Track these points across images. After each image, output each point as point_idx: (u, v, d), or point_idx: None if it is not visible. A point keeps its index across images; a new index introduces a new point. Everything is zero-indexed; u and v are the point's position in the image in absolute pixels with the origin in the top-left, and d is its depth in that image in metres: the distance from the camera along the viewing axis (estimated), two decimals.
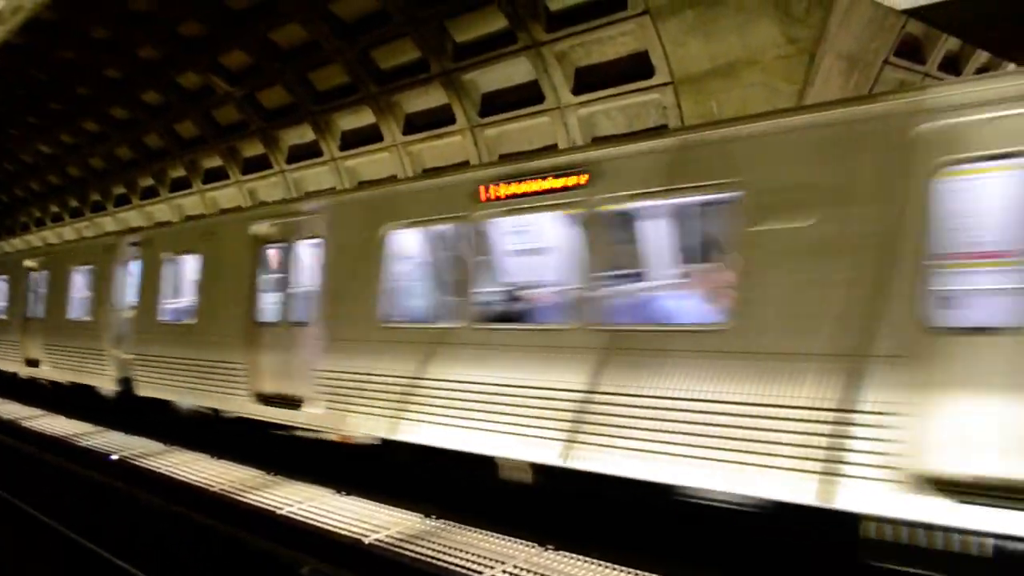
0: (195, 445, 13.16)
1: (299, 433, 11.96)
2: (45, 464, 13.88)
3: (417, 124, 16.97)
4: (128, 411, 15.88)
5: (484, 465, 9.12)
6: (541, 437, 8.19)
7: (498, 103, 15.29)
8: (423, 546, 7.97)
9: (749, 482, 6.68)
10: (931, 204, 6.00)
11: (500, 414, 8.62)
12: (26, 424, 16.44)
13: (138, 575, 9.28)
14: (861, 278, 6.27)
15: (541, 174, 8.71)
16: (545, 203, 8.76)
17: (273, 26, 17.09)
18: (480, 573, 7.21)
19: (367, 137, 18.16)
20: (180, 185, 25.65)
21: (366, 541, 8.26)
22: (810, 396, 6.37)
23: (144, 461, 12.40)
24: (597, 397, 7.75)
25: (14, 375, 21.23)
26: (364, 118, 17.85)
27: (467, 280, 9.45)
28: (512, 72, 14.60)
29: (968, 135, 5.88)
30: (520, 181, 8.87)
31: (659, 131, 12.40)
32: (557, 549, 7.72)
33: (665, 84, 12.59)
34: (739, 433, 6.68)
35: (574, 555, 7.54)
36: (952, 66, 13.11)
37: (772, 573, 6.92)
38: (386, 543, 8.16)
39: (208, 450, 12.77)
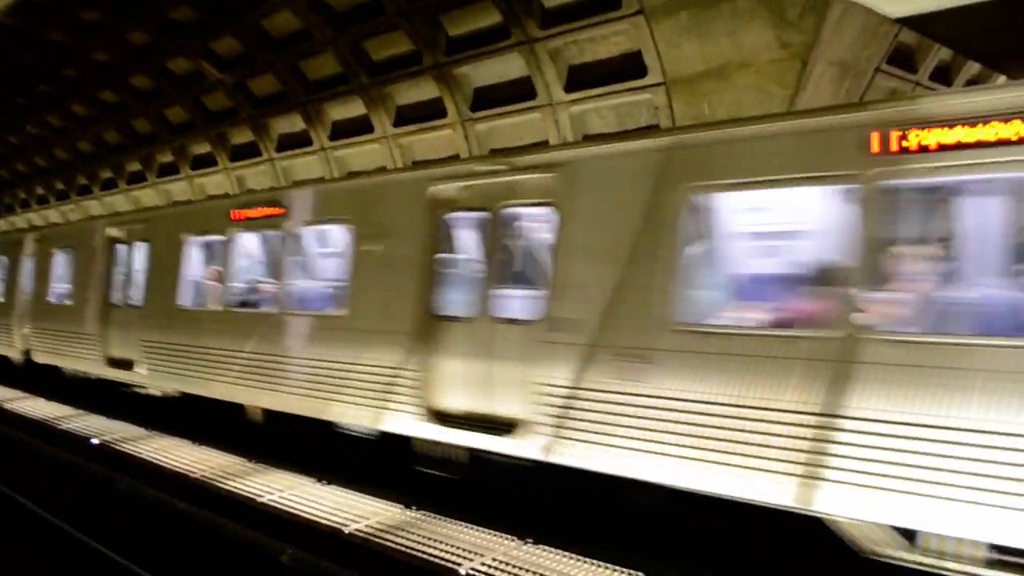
0: (177, 431, 13.12)
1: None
2: (23, 447, 13.78)
3: (408, 116, 16.95)
4: (110, 395, 15.85)
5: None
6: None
7: (490, 98, 15.29)
8: (403, 537, 8.00)
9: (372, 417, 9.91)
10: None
11: None
12: (6, 407, 16.34)
13: (118, 560, 9.25)
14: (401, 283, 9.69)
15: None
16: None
17: (265, 13, 17.01)
18: (459, 565, 7.24)
19: (358, 128, 18.11)
20: (168, 171, 25.51)
21: (346, 531, 8.28)
22: (390, 360, 9.61)
23: (125, 446, 12.35)
24: None
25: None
26: (355, 109, 17.81)
27: None
28: (505, 68, 14.60)
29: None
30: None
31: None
32: (536, 543, 7.76)
33: (657, 84, 12.62)
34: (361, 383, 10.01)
35: (553, 549, 7.58)
36: (944, 76, 13.21)
37: None
38: (366, 533, 8.18)
39: (190, 436, 12.74)
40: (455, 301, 9.41)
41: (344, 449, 10.97)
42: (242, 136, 21.65)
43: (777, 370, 6.49)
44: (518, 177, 8.99)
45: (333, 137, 18.93)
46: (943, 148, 6.00)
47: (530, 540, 7.82)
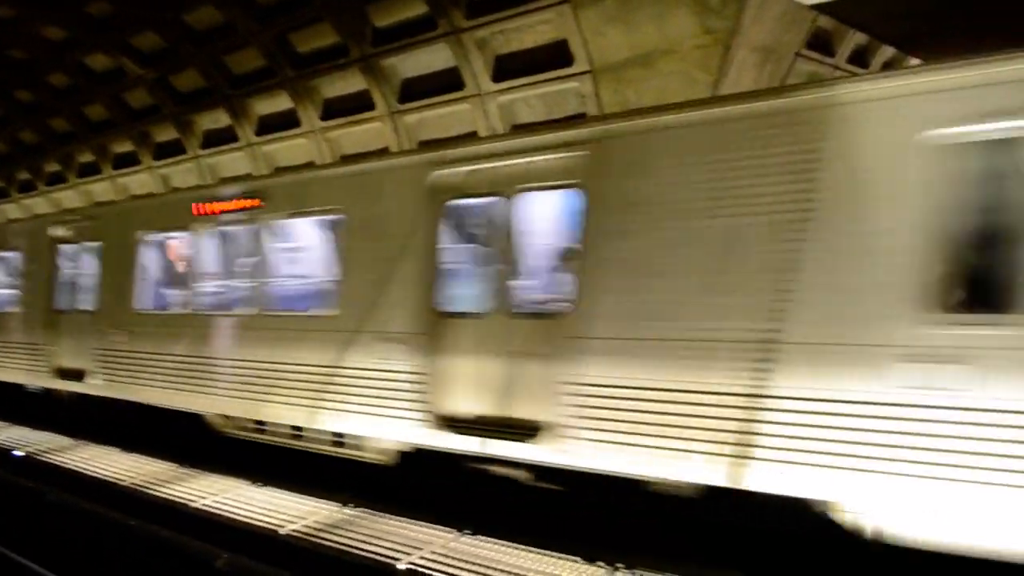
0: (106, 439, 12.79)
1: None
2: None
3: (336, 109, 16.72)
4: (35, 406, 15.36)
5: None
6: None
7: (418, 89, 15.16)
8: (340, 535, 7.94)
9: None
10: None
11: None
12: None
13: (46, 574, 8.99)
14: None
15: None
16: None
17: (186, 7, 16.59)
18: (397, 560, 7.19)
19: (284, 122, 17.80)
20: (89, 171, 24.77)
21: (282, 532, 8.18)
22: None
23: (52, 456, 11.99)
24: None
25: None
26: (281, 103, 17.50)
27: None
28: (432, 59, 14.49)
29: None
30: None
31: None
32: (474, 534, 7.76)
33: (584, 72, 12.65)
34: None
35: (490, 539, 7.59)
36: (861, 59, 13.52)
37: None
38: (302, 533, 8.09)
39: (119, 444, 12.42)
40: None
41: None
42: (166, 134, 21.11)
43: None
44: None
45: (260, 132, 18.59)
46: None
47: (468, 532, 7.82)
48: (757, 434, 6.37)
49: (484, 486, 8.60)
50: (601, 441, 7.29)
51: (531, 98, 13.61)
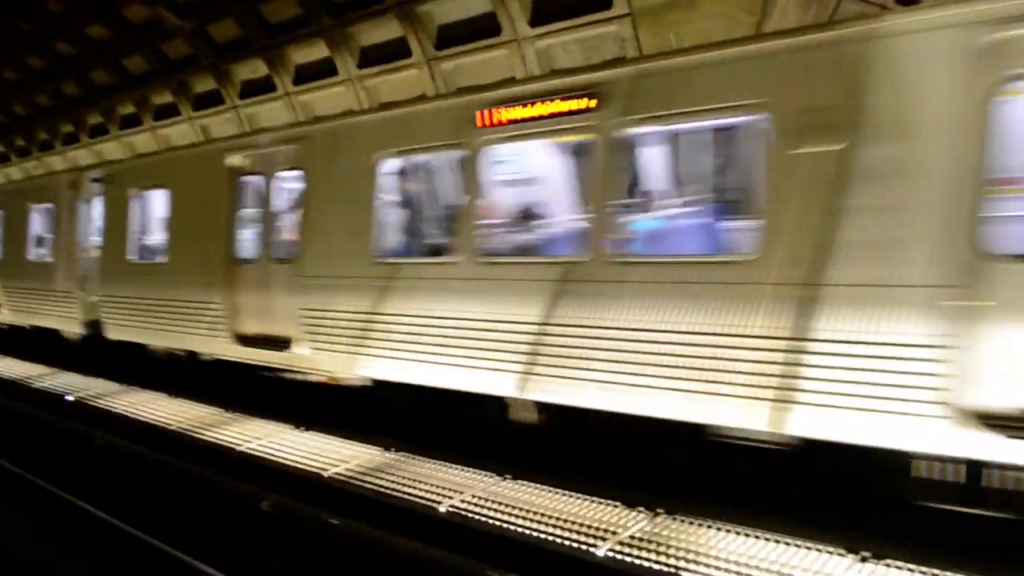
0: (153, 385, 13.06)
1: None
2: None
3: (372, 57, 16.60)
4: (86, 353, 15.71)
5: None
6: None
7: (454, 36, 14.98)
8: (382, 478, 8.05)
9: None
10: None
11: None
12: None
13: (99, 515, 9.23)
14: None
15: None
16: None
17: None
18: (439, 503, 7.30)
19: (321, 71, 17.73)
20: (130, 122, 24.97)
21: (325, 475, 8.31)
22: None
23: (101, 401, 12.29)
24: None
25: None
26: (318, 51, 17.42)
27: None
28: (469, 4, 14.28)
29: None
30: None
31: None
32: (516, 478, 7.83)
33: (623, 16, 12.40)
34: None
35: (531, 483, 7.65)
36: None
37: None
38: (345, 476, 8.22)
39: (166, 390, 12.68)
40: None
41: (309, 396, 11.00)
42: (204, 84, 21.16)
43: None
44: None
45: (297, 82, 18.55)
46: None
47: (509, 476, 7.89)
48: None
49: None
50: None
51: (569, 43, 13.39)
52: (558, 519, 6.77)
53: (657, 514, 6.79)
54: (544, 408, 8.35)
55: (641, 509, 6.88)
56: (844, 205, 6.14)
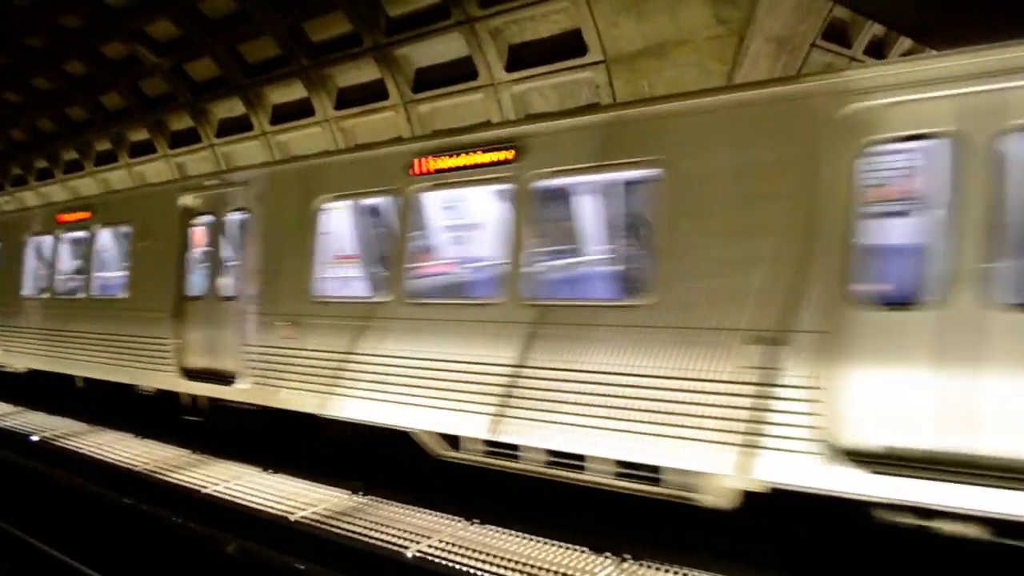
0: (121, 425, 12.89)
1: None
2: None
3: (350, 99, 16.76)
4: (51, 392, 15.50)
5: None
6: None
7: (432, 79, 15.18)
8: (350, 522, 7.97)
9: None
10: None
11: None
12: None
13: (58, 556, 9.06)
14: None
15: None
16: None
17: None
18: (406, 547, 7.23)
19: (299, 111, 17.88)
20: (106, 159, 24.94)
21: (292, 518, 8.22)
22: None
23: (66, 441, 12.10)
24: None
25: None
26: (295, 92, 17.57)
27: None
28: (446, 48, 14.50)
29: None
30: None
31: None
32: (483, 523, 7.78)
33: (598, 63, 12.63)
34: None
35: (499, 528, 7.61)
36: (878, 50, 13.42)
37: None
38: (312, 519, 8.14)
39: (133, 430, 12.52)
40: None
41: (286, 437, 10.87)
42: (181, 122, 21.23)
43: None
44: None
45: (274, 121, 18.65)
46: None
47: (477, 520, 7.84)
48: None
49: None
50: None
51: (545, 88, 13.61)
52: (524, 564, 6.74)
53: (624, 559, 6.77)
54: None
55: (608, 555, 6.86)
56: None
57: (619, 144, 7.52)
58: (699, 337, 6.71)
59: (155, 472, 10.21)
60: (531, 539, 7.31)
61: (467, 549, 7.14)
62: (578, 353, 7.36)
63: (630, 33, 12.08)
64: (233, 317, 11.00)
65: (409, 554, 7.13)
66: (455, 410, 8.28)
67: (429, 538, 7.43)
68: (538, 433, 7.60)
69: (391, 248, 9.54)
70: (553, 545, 7.15)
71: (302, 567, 7.55)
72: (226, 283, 11.46)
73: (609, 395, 7.10)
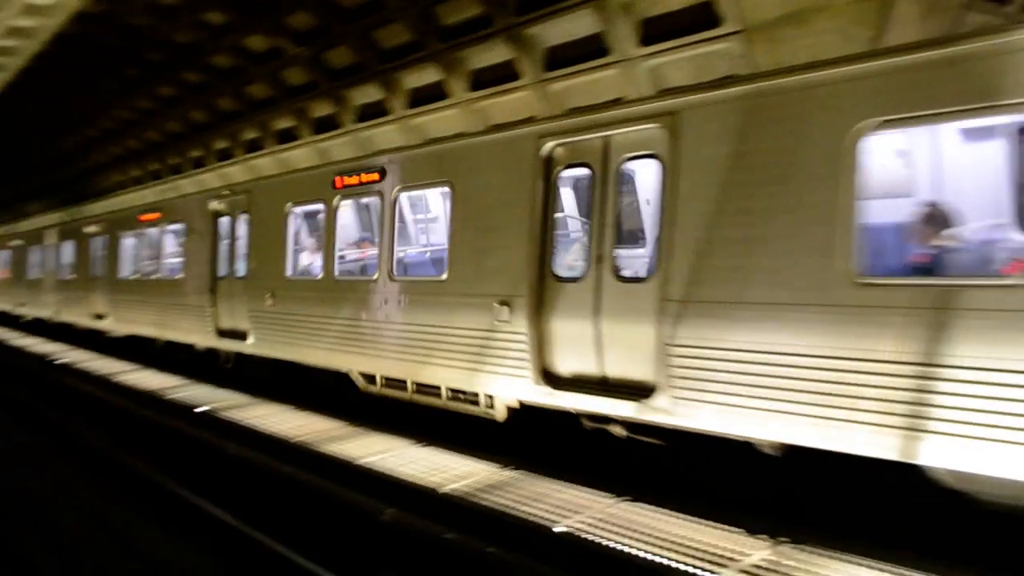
0: (279, 397, 13.64)
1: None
2: (136, 417, 14.51)
3: (483, 80, 16.96)
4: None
5: None
6: None
7: (563, 57, 15.18)
8: (498, 495, 8.21)
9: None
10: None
11: None
12: (118, 379, 17.21)
13: (230, 520, 9.66)
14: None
15: None
16: None
17: None
18: (554, 523, 7.40)
19: (433, 95, 18.22)
20: (253, 147, 26.14)
21: (441, 490, 8.53)
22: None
23: (229, 413, 12.90)
24: None
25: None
26: (430, 76, 17.91)
27: None
28: (576, 25, 14.45)
29: None
30: None
31: None
32: (634, 500, 7.87)
33: (735, 32, 12.34)
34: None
35: (650, 507, 7.67)
36: None
37: None
38: (462, 492, 8.42)
39: (292, 402, 13.22)
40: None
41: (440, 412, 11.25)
42: (322, 109, 22.00)
43: None
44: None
45: (411, 105, 19.09)
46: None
47: (628, 498, 7.93)
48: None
49: None
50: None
51: (680, 61, 13.40)
52: (674, 544, 6.79)
53: (780, 542, 6.73)
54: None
55: (763, 536, 6.83)
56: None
57: (436, 167, 11.14)
58: (473, 300, 9.89)
59: (313, 443, 10.77)
60: (681, 518, 7.36)
61: (616, 526, 7.25)
62: (419, 309, 10.94)
63: (767, 0, 11.74)
64: (242, 291, 15.20)
65: (557, 529, 7.30)
66: (369, 356, 11.91)
67: (579, 514, 7.59)
68: (381, 365, 11.77)
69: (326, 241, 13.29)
70: (704, 525, 7.17)
71: (451, 537, 7.83)
72: (238, 266, 15.67)
73: (429, 340, 10.64)
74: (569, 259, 9.39)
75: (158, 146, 31.49)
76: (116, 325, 21.88)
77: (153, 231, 20.11)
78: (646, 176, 10.09)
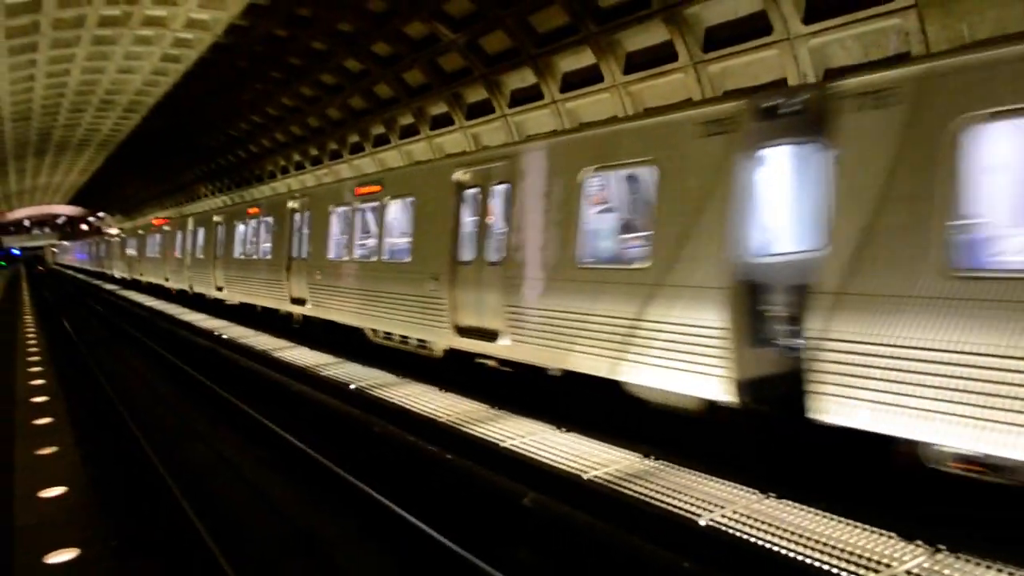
0: (425, 378, 13.91)
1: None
2: (291, 392, 15.18)
3: (637, 63, 16.69)
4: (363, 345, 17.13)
5: None
6: None
7: (722, 37, 14.70)
8: (641, 485, 8.03)
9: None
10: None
11: None
12: (275, 355, 18.04)
13: (385, 502, 9.90)
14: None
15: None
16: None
17: None
18: (698, 516, 7.17)
19: (587, 78, 18.09)
20: (409, 132, 26.83)
21: (585, 477, 8.42)
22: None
23: (378, 391, 13.25)
24: None
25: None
26: (584, 59, 17.79)
27: None
28: (737, 3, 13.96)
29: None
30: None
31: None
32: (779, 497, 7.53)
33: (907, 8, 11.55)
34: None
35: (797, 504, 7.32)
36: None
37: None
38: (604, 480, 8.28)
39: (437, 383, 13.45)
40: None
41: (575, 396, 11.16)
42: (476, 95, 22.30)
43: None
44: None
45: (564, 89, 19.03)
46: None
47: (773, 494, 7.60)
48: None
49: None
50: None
51: (846, 39, 12.68)
52: (822, 543, 6.43)
53: (938, 550, 6.24)
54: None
55: (920, 543, 6.36)
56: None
57: (411, 185, 15.38)
58: (418, 276, 14.15)
59: (457, 424, 10.89)
60: (830, 517, 6.97)
61: (761, 523, 6.94)
62: (392, 284, 15.33)
63: None
64: (298, 269, 20.06)
65: (702, 522, 7.06)
66: (377, 317, 16.15)
67: (722, 508, 7.31)
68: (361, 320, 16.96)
69: (349, 235, 17.73)
70: (855, 527, 6.76)
71: (593, 523, 7.73)
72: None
73: (402, 303, 14.87)
74: (466, 249, 13.04)
75: (319, 131, 32.83)
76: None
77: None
78: (504, 195, 12.53)
